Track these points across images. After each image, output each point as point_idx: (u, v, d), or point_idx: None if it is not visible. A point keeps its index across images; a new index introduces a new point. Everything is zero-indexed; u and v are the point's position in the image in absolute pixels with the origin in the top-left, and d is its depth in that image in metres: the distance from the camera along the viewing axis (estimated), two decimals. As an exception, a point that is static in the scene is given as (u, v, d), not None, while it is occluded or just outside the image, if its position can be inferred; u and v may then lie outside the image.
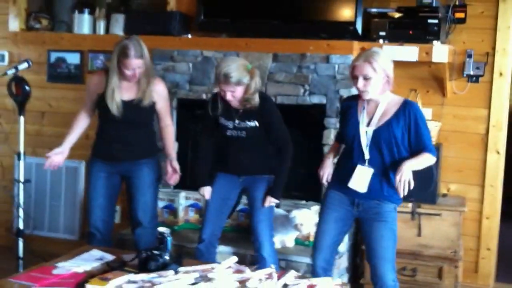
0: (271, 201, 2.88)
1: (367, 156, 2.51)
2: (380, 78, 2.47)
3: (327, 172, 2.67)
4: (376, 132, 2.50)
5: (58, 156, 2.94)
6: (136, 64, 2.83)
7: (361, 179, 2.51)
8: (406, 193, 2.45)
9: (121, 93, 2.91)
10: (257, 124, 2.83)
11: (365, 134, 2.51)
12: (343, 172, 2.58)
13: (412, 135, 2.50)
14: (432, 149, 2.53)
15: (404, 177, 2.42)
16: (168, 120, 3.06)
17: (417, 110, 2.53)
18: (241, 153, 2.89)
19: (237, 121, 2.84)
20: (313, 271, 2.68)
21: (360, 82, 2.47)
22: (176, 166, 2.98)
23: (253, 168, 2.91)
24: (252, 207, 2.94)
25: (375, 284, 2.59)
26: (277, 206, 3.19)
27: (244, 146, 2.88)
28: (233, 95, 2.75)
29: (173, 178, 2.99)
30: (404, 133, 2.50)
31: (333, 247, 2.65)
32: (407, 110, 2.50)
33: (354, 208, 2.58)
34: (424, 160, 2.52)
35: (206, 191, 2.95)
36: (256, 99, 2.81)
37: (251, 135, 2.85)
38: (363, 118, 2.54)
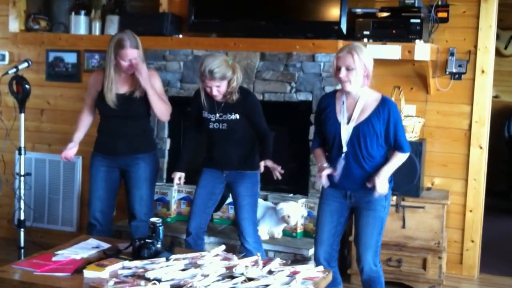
0: (265, 163, 2.91)
1: (344, 149, 2.69)
2: (361, 70, 2.63)
3: (325, 174, 2.75)
4: (356, 128, 2.67)
5: (72, 150, 3.13)
6: (132, 54, 2.99)
7: (339, 170, 2.71)
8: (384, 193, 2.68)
9: (117, 87, 3.07)
10: (238, 117, 2.98)
11: (346, 131, 2.68)
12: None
13: (391, 133, 2.69)
14: (406, 146, 2.73)
15: (380, 190, 2.65)
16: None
17: (395, 108, 2.72)
18: (224, 146, 3.03)
19: (218, 114, 3.00)
20: (316, 264, 2.81)
21: (343, 72, 2.63)
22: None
23: (236, 163, 3.04)
24: (236, 204, 3.09)
25: (358, 266, 2.81)
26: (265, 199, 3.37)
27: (227, 139, 3.02)
28: (218, 90, 2.91)
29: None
30: (382, 129, 2.68)
31: (333, 239, 2.82)
32: (386, 108, 2.67)
33: (347, 200, 2.76)
34: (397, 162, 2.73)
35: (177, 176, 3.09)
36: (237, 93, 2.97)
37: (232, 128, 3.00)
38: (343, 114, 2.70)
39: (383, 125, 2.68)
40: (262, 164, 2.94)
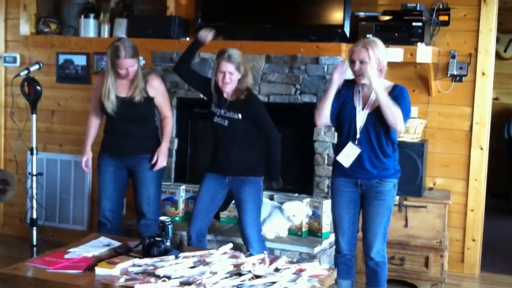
0: (274, 187, 3.05)
1: (358, 136, 2.73)
2: (374, 64, 2.68)
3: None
4: (371, 115, 2.72)
5: (88, 162, 3.25)
6: (127, 63, 3.03)
7: (348, 155, 2.74)
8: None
9: (119, 90, 3.11)
10: (240, 117, 2.99)
11: (361, 117, 2.73)
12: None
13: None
14: (407, 114, 2.73)
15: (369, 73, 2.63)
16: (167, 112, 3.22)
17: (402, 91, 2.74)
18: (227, 147, 3.02)
19: (223, 111, 3.01)
20: (338, 254, 2.90)
21: (357, 65, 2.69)
22: (161, 151, 3.14)
23: (238, 167, 3.02)
24: (239, 210, 3.08)
25: (365, 254, 2.85)
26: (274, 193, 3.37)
27: (228, 139, 3.01)
28: (230, 77, 2.93)
29: (158, 160, 3.13)
30: None
31: (353, 228, 2.87)
32: (395, 93, 2.72)
33: (358, 189, 2.81)
34: (395, 107, 2.64)
35: None
36: (244, 94, 2.99)
37: (232, 126, 3.00)
38: (359, 102, 2.75)
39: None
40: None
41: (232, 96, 3.01)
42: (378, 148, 2.74)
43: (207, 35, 3.09)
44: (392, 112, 2.64)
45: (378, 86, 2.66)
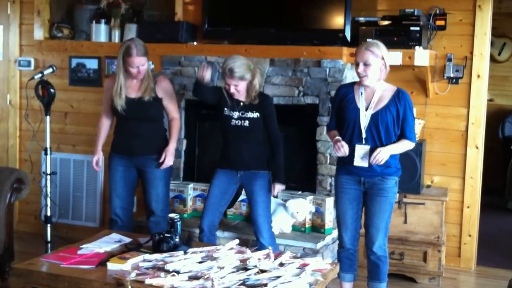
0: (279, 188, 3.05)
1: (364, 135, 2.73)
2: (378, 65, 2.70)
3: (342, 144, 2.72)
4: (375, 116, 2.72)
5: (99, 161, 3.24)
6: (139, 61, 3.01)
7: (362, 156, 2.73)
8: (374, 162, 2.68)
9: (129, 92, 3.09)
10: (258, 116, 3.00)
11: (365, 117, 2.73)
12: (346, 156, 2.77)
13: (400, 120, 2.74)
14: (413, 137, 2.79)
15: (379, 157, 2.68)
16: (174, 113, 3.20)
17: (409, 99, 2.78)
18: (239, 144, 3.02)
19: (240, 112, 3.01)
20: (342, 249, 2.90)
21: (361, 67, 2.71)
22: (169, 150, 3.11)
23: (251, 162, 3.03)
24: (250, 201, 3.08)
25: (368, 248, 2.85)
26: (275, 196, 3.37)
27: (243, 137, 3.01)
28: (236, 88, 2.94)
29: (165, 159, 3.09)
30: (395, 117, 2.73)
31: (356, 223, 2.88)
32: (400, 98, 2.74)
33: (361, 186, 2.81)
34: (404, 146, 2.78)
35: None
36: (257, 95, 3.00)
37: (253, 126, 3.00)
38: (362, 103, 2.75)
39: (399, 112, 2.73)
40: (275, 189, 3.04)
41: (246, 98, 3.01)
42: (381, 146, 2.73)
43: (203, 75, 2.96)
44: (405, 148, 2.79)
45: (388, 153, 2.71)
